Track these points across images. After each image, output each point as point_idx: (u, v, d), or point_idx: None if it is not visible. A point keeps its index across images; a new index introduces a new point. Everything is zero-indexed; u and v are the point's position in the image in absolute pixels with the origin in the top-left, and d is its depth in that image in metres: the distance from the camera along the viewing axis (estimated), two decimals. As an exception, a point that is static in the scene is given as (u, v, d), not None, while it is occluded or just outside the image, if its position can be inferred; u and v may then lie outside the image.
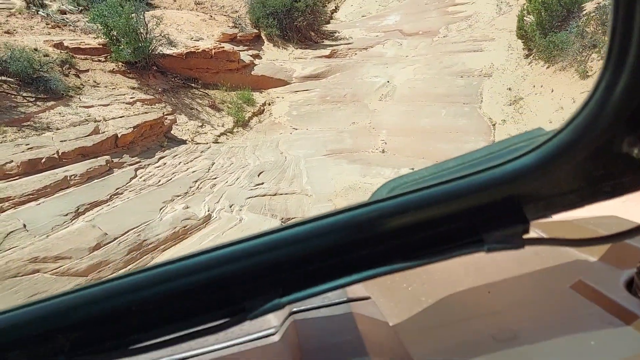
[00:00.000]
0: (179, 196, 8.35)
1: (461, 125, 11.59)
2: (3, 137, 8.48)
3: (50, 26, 12.43)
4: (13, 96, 9.59)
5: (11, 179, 7.37)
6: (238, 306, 0.55)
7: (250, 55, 15.35)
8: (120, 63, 12.20)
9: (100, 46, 12.18)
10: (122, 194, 7.97)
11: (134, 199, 7.92)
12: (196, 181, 9.13)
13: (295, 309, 0.92)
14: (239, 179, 9.63)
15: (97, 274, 5.93)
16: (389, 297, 0.98)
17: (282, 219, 8.68)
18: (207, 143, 11.57)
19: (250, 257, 0.55)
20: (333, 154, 11.28)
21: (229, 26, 16.10)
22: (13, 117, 9.05)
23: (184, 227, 7.19)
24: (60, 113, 9.81)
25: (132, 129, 9.81)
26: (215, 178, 9.51)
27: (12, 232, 5.97)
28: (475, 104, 12.39)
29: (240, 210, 8.35)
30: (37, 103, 9.78)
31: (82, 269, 5.83)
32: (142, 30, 11.95)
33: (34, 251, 5.75)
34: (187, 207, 7.83)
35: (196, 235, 7.19)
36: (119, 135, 9.51)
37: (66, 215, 6.73)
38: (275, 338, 0.85)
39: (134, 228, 6.81)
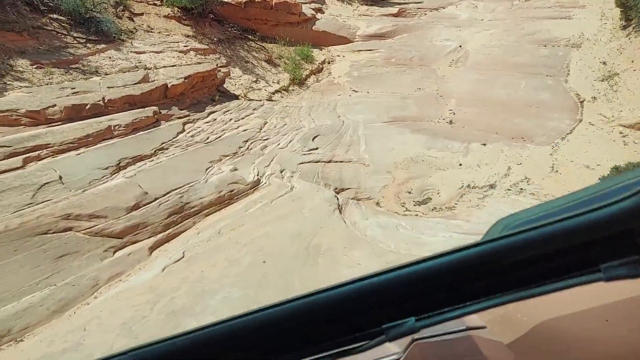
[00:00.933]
0: (227, 156, 7.71)
1: (543, 100, 10.33)
2: (49, 79, 8.02)
3: (107, -35, 11.82)
4: (63, 36, 9.11)
5: (53, 124, 6.90)
6: (377, 329, 0.59)
7: (313, 9, 14.35)
8: (175, 8, 11.52)
9: (157, -11, 11.51)
10: (167, 149, 7.40)
11: (180, 155, 7.33)
12: (246, 141, 8.46)
13: (416, 337, 1.00)
14: (292, 142, 8.90)
15: (133, 236, 5.39)
16: (504, 326, 1.04)
17: (336, 189, 7.93)
18: (260, 100, 10.85)
19: (389, 288, 0.59)
20: (395, 121, 10.34)
21: (292, -24, 15.08)
22: (61, 58, 8.57)
23: (230, 191, 6.56)
24: (110, 57, 9.28)
25: (183, 79, 9.18)
26: (267, 139, 8.81)
27: (46, 183, 5.49)
28: (561, 77, 11.03)
29: (292, 176, 7.64)
30: (87, 45, 9.27)
31: (117, 229, 5.30)
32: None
33: (67, 206, 5.25)
34: (235, 170, 7.18)
35: (243, 201, 6.55)
36: (169, 86, 8.91)
37: (106, 168, 6.21)
38: None
39: (176, 188, 6.23)
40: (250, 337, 0.59)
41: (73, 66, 8.61)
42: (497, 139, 9.47)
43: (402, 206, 8.02)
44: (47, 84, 7.89)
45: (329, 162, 8.62)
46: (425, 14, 16.06)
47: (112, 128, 7.23)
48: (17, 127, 6.65)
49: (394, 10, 16.03)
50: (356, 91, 11.93)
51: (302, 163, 8.23)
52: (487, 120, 10.16)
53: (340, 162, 8.72)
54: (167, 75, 9.19)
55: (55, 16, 9.30)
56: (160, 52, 10.16)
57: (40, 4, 9.19)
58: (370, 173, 8.57)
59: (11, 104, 6.77)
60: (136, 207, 5.63)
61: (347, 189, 8.10)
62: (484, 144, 9.23)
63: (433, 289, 0.58)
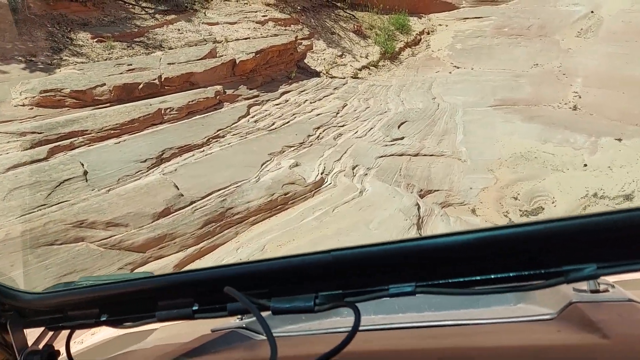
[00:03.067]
0: (291, 147, 6.56)
1: None
2: (109, 54, 7.34)
3: None
4: (131, 6, 8.40)
5: (99, 106, 6.17)
6: (557, 270, 0.60)
7: (413, -29, 12.58)
8: (257, -26, 10.44)
9: (238, -47, 10.48)
10: (222, 137, 6.40)
11: (235, 145, 6.31)
12: (318, 128, 7.24)
13: (575, 300, 0.98)
14: (373, 130, 7.54)
15: (158, 250, 4.46)
16: None
17: (421, 191, 6.50)
18: (344, 77, 9.54)
19: (573, 233, 0.58)
20: (503, 105, 8.55)
21: None
22: (125, 31, 7.86)
23: (285, 194, 5.41)
24: (178, 29, 8.45)
25: (254, 54, 8.11)
26: (343, 125, 7.53)
27: (67, 180, 4.70)
28: None
29: (366, 174, 6.33)
30: (156, 16, 8.50)
31: (139, 242, 4.39)
32: None
33: (83, 210, 4.42)
34: (296, 165, 6.02)
35: (298, 207, 5.38)
36: (237, 61, 7.89)
37: (144, 161, 5.33)
38: (554, 321, 0.92)
39: (220, 189, 5.20)
40: (452, 253, 0.63)
41: (137, 39, 7.88)
42: (636, 131, 7.39)
43: (505, 216, 6.42)
44: (106, 59, 7.21)
45: (416, 155, 7.17)
46: (550, -26, 13.57)
47: (163, 111, 6.36)
48: (60, 108, 5.98)
49: (511, -30, 13.72)
50: (458, 67, 10.18)
51: (381, 157, 6.87)
52: (624, 106, 8.03)
53: (430, 155, 7.23)
54: (236, 50, 8.17)
55: (124, -16, 8.61)
56: (235, 23, 9.17)
57: (109, -28, 8.53)
58: (466, 171, 7.01)
59: (57, 82, 6.11)
60: (165, 213, 4.68)
61: (435, 190, 6.64)
62: (619, 139, 7.21)
63: (620, 240, 0.57)
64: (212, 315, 0.74)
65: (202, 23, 8.79)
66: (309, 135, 6.97)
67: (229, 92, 7.55)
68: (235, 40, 8.60)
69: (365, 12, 11.29)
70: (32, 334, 0.90)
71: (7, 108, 5.83)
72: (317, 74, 9.45)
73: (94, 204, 4.55)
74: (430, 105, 8.51)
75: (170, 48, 7.89)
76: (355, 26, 10.81)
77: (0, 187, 4.46)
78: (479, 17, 11.75)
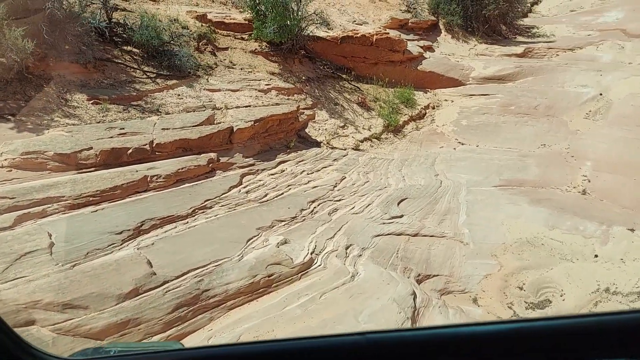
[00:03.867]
0: (282, 222, 6.18)
1: None
2: (103, 116, 7.15)
3: (200, -3, 11.18)
4: (132, 70, 8.33)
5: (83, 170, 5.88)
6: None
7: (421, 47, 12.67)
8: (264, 43, 10.49)
9: (246, 22, 10.60)
10: (209, 208, 6.05)
11: (222, 217, 5.94)
12: (313, 201, 6.89)
13: None
14: (371, 206, 7.17)
15: (117, 337, 3.99)
16: None
17: (419, 276, 6.04)
18: (344, 149, 9.31)
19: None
20: (509, 185, 8.20)
21: (401, 10, 13.59)
22: (123, 94, 7.73)
23: (269, 276, 4.97)
24: (178, 94, 8.33)
25: (252, 122, 7.92)
26: (340, 200, 7.17)
27: (29, 252, 4.32)
28: None
29: (360, 255, 5.90)
30: (157, 80, 8.41)
31: (96, 328, 3.93)
32: (293, 6, 10.02)
33: (40, 289, 4.00)
34: (285, 242, 5.61)
35: (283, 291, 4.91)
36: (235, 129, 7.67)
37: (119, 233, 4.94)
38: None
39: (198, 268, 4.77)
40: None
41: (134, 103, 7.73)
42: (652, 221, 6.96)
43: (509, 308, 5.91)
44: (99, 122, 7.02)
45: (415, 235, 6.75)
46: (557, 55, 13.63)
47: (149, 178, 6.05)
48: (40, 172, 5.70)
49: (519, 49, 13.83)
50: (463, 143, 9.94)
51: (378, 235, 6.46)
52: (636, 194, 7.65)
53: (430, 236, 6.80)
54: (235, 117, 7.99)
55: (128, 48, 8.60)
56: (237, 90, 9.07)
57: (114, 35, 8.54)
58: (468, 255, 6.56)
59: (41, 144, 5.87)
60: (133, 294, 4.24)
61: (434, 275, 6.17)
62: (632, 230, 6.77)
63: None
64: None
65: (204, 89, 8.69)
66: (303, 209, 6.61)
67: (223, 159, 7.28)
68: (236, 107, 8.45)
69: (371, 84, 11.24)
70: None
71: (-17, 169, 5.56)
72: (317, 144, 9.23)
73: (53, 281, 4.14)
74: (433, 182, 8.18)
75: (167, 113, 7.72)
76: (360, 98, 10.72)
77: (-47, 258, 4.08)
78: (485, 94, 11.66)
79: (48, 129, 6.53)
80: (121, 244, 4.85)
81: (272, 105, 8.93)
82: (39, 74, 7.35)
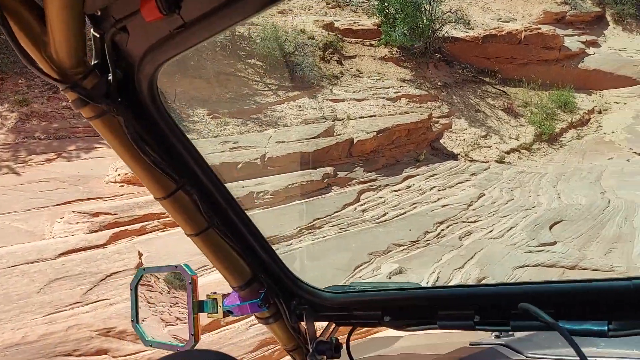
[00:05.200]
0: (400, 246, 5.29)
1: None
2: (221, 130, 6.98)
3: (330, 6, 10.80)
4: (254, 82, 8.12)
5: (191, 186, 5.62)
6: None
7: (582, 42, 10.83)
8: (394, 48, 9.71)
9: (375, 27, 9.93)
10: (318, 228, 5.40)
11: (331, 239, 5.24)
12: (441, 223, 5.87)
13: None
14: (514, 230, 5.92)
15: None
16: None
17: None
18: (486, 162, 8.06)
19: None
20: None
21: (556, 2, 11.81)
22: (243, 107, 7.52)
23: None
24: (299, 106, 7.91)
25: (375, 133, 7.16)
26: (475, 222, 6.04)
27: (115, 273, 3.98)
28: None
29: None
30: (278, 92, 8.09)
31: (170, 364, 3.49)
32: (425, 6, 9.12)
33: (117, 314, 3.65)
34: (400, 272, 4.71)
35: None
36: (355, 141, 6.98)
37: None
38: None
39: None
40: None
41: (253, 116, 7.47)
42: None
43: None
44: (216, 136, 6.84)
45: (572, 268, 5.35)
46: None
47: (255, 195, 5.60)
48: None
49: None
50: (638, 154, 8.05)
51: (521, 267, 5.22)
52: None
53: (593, 270, 5.35)
54: (357, 128, 7.31)
55: (252, 61, 8.43)
56: (363, 99, 8.40)
57: (238, 49, 8.44)
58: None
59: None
60: (213, 326, 3.73)
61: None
62: None
63: None
64: (493, 328, 0.82)
65: (326, 99, 8.17)
66: (427, 232, 5.63)
67: (341, 174, 6.61)
68: (359, 118, 7.76)
69: (520, 87, 9.80)
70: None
71: (98, 184, 5.58)
72: (454, 157, 8.14)
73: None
74: (598, 202, 6.60)
75: (286, 125, 7.30)
76: (506, 103, 9.36)
77: (41, 277, 3.93)
78: (670, 93, 9.48)
79: (166, 144, 6.47)
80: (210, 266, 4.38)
81: (400, 114, 8.08)
82: (164, 90, 7.43)
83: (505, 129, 8.90)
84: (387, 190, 6.62)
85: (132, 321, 1.02)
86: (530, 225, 6.01)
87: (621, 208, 6.44)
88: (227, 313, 0.97)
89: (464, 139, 8.53)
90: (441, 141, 8.42)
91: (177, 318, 0.99)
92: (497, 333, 1.17)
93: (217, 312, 0.97)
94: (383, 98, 8.53)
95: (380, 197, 6.38)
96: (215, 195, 0.89)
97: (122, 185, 5.55)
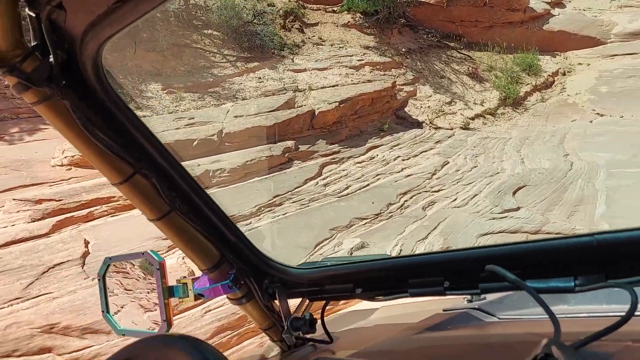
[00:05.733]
0: (363, 220, 5.17)
1: None
2: (176, 106, 6.68)
3: (289, -28, 10.38)
4: (211, 54, 7.79)
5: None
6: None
7: (547, 2, 10.70)
8: (357, 14, 9.42)
9: (337, -7, 9.61)
10: (278, 205, 5.23)
11: (292, 216, 5.09)
12: (405, 194, 5.77)
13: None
14: (478, 197, 5.86)
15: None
16: None
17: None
18: (451, 129, 7.97)
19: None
20: (667, 166, 6.33)
21: (520, -37, 11.62)
22: (200, 81, 7.22)
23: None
24: (259, 78, 7.63)
25: (337, 104, 6.96)
26: (439, 191, 5.96)
27: (59, 264, 3.75)
28: None
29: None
30: (237, 64, 7.78)
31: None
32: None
33: (61, 309, 3.44)
34: (362, 246, 4.60)
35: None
36: (316, 113, 6.78)
37: (166, 238, 4.32)
38: None
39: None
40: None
41: (210, 90, 7.17)
42: None
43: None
44: (171, 113, 6.55)
45: (536, 233, 5.33)
46: None
47: (211, 174, 5.38)
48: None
49: (677, -5, 11.15)
50: (602, 115, 8.05)
51: (485, 234, 5.17)
52: None
53: (556, 234, 5.33)
54: (318, 99, 7.09)
55: (209, 31, 8.07)
56: (326, 68, 8.15)
57: (193, 18, 8.06)
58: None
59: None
60: (165, 315, 3.58)
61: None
62: None
63: None
64: (463, 292, 0.78)
65: (288, 70, 7.90)
66: (390, 204, 5.52)
67: (302, 148, 6.43)
68: (321, 88, 7.53)
69: (485, 51, 9.66)
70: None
71: (43, 168, 5.28)
72: (418, 125, 8.01)
73: (77, 299, 3.57)
74: (561, 165, 6.59)
75: (244, 98, 7.04)
76: (471, 68, 9.22)
77: (-22, 271, 3.69)
78: (632, 54, 9.47)
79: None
80: (166, 252, 4.20)
81: (364, 82, 7.88)
82: (113, 67, 7.06)
83: (470, 94, 8.79)
84: (350, 162, 6.48)
85: (103, 311, 1.00)
86: (494, 191, 5.96)
87: (583, 170, 6.44)
88: (198, 296, 0.96)
89: (428, 106, 8.40)
90: (406, 109, 8.27)
91: (148, 305, 0.97)
92: (469, 298, 1.19)
93: (188, 297, 0.96)
94: (346, 67, 8.30)
95: (343, 170, 6.24)
96: (174, 177, 0.85)
97: (70, 169, 5.27)
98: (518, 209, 5.70)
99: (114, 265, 1.01)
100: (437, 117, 8.20)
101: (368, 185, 5.94)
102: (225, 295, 0.98)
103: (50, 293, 3.63)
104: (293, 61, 8.19)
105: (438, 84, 8.89)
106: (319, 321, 1.02)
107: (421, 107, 8.41)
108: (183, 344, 0.74)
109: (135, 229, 4.42)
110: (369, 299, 0.89)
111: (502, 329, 1.02)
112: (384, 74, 8.50)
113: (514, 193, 5.99)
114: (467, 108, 8.47)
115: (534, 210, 5.70)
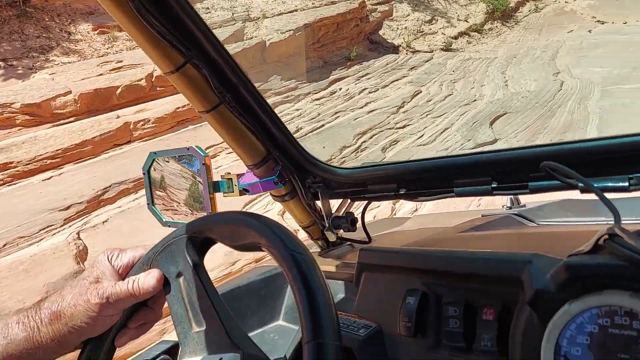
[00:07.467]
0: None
1: None
2: (107, 48, 5.95)
3: None
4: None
5: (59, 123, 4.71)
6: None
7: None
8: None
9: None
10: (213, 157, 4.55)
11: (229, 168, 4.42)
12: (364, 133, 5.03)
13: None
14: (449, 132, 5.09)
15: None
16: None
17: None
18: (430, 51, 7.05)
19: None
20: (673, 79, 5.41)
21: None
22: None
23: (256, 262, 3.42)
24: (207, 8, 6.74)
25: (291, 32, 6.08)
26: (405, 127, 5.20)
27: None
28: None
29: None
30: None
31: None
32: None
33: None
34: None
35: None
36: (267, 44, 5.93)
37: (66, 209, 3.69)
38: None
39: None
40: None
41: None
42: None
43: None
44: (102, 56, 5.79)
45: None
46: None
47: (132, 126, 4.68)
48: (9, 129, 4.63)
49: None
50: (602, 22, 7.00)
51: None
52: None
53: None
54: (271, 29, 6.20)
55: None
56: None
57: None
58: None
59: (10, 95, 4.77)
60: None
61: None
62: None
63: None
64: (511, 192, 0.76)
65: (241, -3, 6.94)
66: (345, 147, 4.80)
67: (258, 87, 5.63)
68: (277, 15, 6.61)
69: (471, -42, 8.46)
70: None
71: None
72: (394, 49, 7.10)
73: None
74: (549, 85, 5.73)
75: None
76: (454, -21, 8.11)
77: None
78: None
79: (40, 71, 5.44)
80: (61, 226, 3.59)
81: (326, 5, 6.91)
82: (42, 6, 6.25)
83: (454, 9, 7.77)
84: (308, 99, 5.69)
85: (148, 204, 0.96)
86: (468, 123, 5.18)
87: (575, 90, 5.57)
88: (244, 191, 0.93)
89: (405, 27, 7.43)
90: (380, 32, 7.33)
91: (193, 199, 0.95)
92: (508, 205, 1.22)
93: (233, 192, 0.93)
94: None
95: (297, 110, 5.48)
96: (224, 69, 0.78)
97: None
98: (495, 141, 4.95)
99: (159, 160, 0.96)
100: (415, 39, 7.26)
101: (323, 126, 5.20)
102: (268, 192, 0.97)
103: None
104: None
105: (417, 0, 7.85)
106: (359, 220, 1.01)
107: (398, 28, 7.45)
108: (251, 220, 0.63)
109: (31, 200, 3.82)
110: (413, 199, 0.88)
111: (548, 230, 1.01)
112: (352, -7, 7.48)
113: (492, 123, 5.20)
114: (449, 26, 7.49)
115: (513, 142, 4.95)
